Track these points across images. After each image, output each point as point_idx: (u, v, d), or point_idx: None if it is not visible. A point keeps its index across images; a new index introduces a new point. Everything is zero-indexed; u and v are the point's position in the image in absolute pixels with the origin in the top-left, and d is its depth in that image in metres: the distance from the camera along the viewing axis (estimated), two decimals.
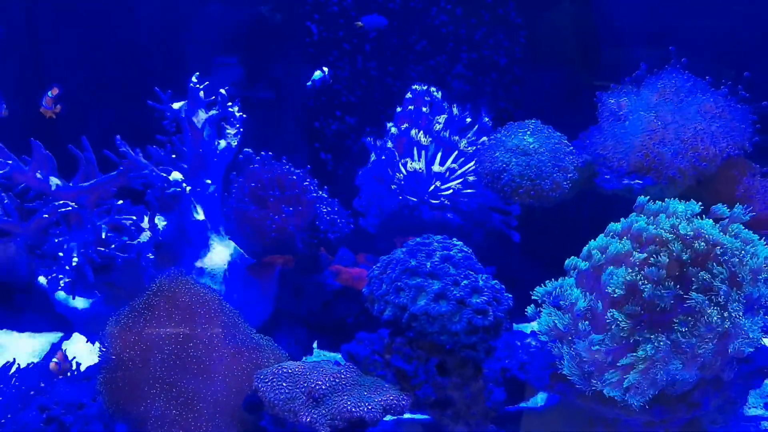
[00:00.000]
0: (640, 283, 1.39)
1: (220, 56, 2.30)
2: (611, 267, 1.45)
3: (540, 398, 2.00)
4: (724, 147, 1.70)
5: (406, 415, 1.88)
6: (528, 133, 1.87)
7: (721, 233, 1.42)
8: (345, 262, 2.13)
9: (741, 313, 1.38)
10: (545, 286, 1.61)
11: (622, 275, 1.41)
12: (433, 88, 2.09)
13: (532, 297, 1.59)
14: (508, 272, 2.01)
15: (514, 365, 1.80)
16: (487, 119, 2.10)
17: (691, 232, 1.38)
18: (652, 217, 1.47)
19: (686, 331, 1.35)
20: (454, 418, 1.78)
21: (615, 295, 1.41)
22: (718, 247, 1.37)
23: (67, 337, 2.48)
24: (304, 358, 2.06)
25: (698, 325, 1.34)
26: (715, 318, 1.33)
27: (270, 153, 1.92)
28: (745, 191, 1.72)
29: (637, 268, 1.41)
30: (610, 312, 1.42)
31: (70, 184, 1.79)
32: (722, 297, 1.34)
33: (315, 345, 2.13)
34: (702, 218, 1.47)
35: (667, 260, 1.37)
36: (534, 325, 1.81)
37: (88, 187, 1.74)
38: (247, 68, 2.32)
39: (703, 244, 1.37)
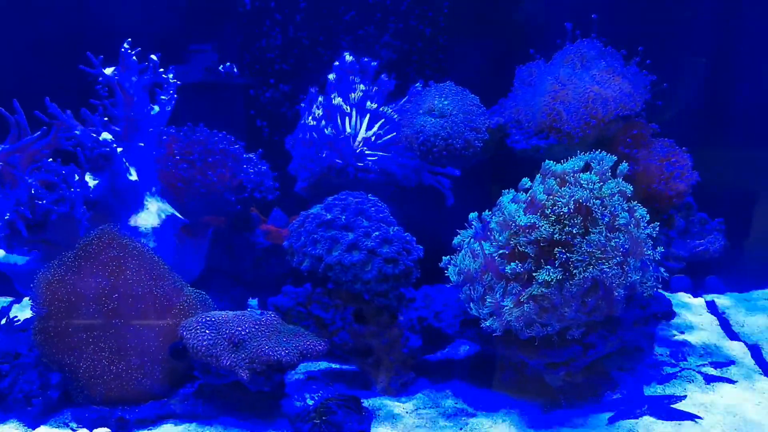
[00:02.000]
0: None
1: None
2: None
3: (462, 349, 2.12)
4: (613, 108, 1.82)
5: (335, 366, 2.00)
6: (443, 96, 1.98)
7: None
8: (278, 223, 2.23)
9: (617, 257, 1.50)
10: (459, 235, 1.74)
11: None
12: (365, 58, 2.17)
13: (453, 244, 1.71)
14: (432, 230, 2.13)
15: (430, 314, 1.91)
16: (419, 85, 2.18)
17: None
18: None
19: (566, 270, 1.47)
20: (374, 365, 1.90)
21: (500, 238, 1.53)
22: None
23: (17, 300, 2.55)
24: None
25: (576, 264, 1.47)
26: (587, 257, 1.45)
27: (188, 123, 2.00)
28: (638, 148, 1.85)
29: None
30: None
31: (1, 145, 1.86)
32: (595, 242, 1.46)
33: (253, 302, 2.23)
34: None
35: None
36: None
37: (18, 146, 1.81)
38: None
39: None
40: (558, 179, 1.53)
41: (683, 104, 2.42)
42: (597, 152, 1.56)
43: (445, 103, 1.95)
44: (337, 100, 2.13)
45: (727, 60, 2.41)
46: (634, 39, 2.11)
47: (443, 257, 1.70)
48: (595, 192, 1.46)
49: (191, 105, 2.21)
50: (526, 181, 1.64)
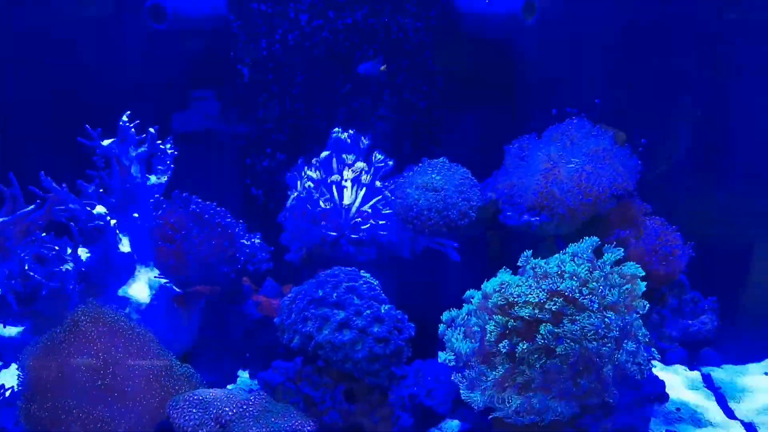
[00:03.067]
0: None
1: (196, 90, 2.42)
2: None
3: (454, 424, 2.08)
4: (607, 187, 1.84)
5: None
6: (435, 171, 2.00)
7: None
8: (270, 292, 2.22)
9: (608, 342, 1.50)
10: (451, 311, 1.73)
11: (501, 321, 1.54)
12: (349, 132, 2.21)
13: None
14: (425, 300, 2.13)
15: (421, 392, 1.89)
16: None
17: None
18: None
19: (556, 360, 1.46)
20: None
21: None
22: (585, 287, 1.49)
23: (6, 365, 2.52)
24: (227, 386, 2.14)
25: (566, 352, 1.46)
26: (575, 346, 1.45)
27: (186, 193, 2.02)
28: (630, 229, 1.86)
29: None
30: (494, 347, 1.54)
31: None
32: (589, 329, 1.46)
33: (244, 374, 2.21)
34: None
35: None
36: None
37: (12, 219, 1.82)
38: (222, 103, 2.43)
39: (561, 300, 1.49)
40: (542, 275, 1.53)
41: (673, 161, 2.46)
42: (588, 239, 1.57)
43: (438, 178, 1.97)
44: (332, 177, 2.15)
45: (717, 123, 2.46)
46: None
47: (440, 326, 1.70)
48: (579, 283, 1.47)
49: (189, 157, 2.24)
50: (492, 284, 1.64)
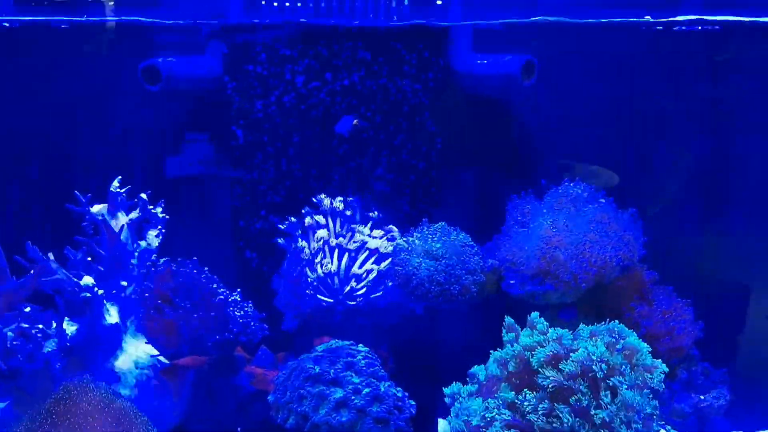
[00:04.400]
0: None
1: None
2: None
3: None
4: (612, 256, 1.79)
5: None
6: (435, 237, 1.95)
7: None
8: (264, 362, 2.13)
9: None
10: (453, 386, 1.66)
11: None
12: (345, 199, 2.17)
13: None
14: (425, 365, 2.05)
15: None
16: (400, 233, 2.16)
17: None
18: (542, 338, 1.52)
19: None
20: None
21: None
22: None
23: None
24: None
25: None
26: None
27: (179, 259, 1.96)
28: (640, 302, 1.81)
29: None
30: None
31: None
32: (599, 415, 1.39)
33: None
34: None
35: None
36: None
37: None
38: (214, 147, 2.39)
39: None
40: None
41: (670, 198, 2.43)
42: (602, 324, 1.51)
43: (438, 246, 1.92)
44: (327, 237, 2.10)
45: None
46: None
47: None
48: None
49: (181, 216, 2.18)
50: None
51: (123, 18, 2.23)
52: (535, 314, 1.58)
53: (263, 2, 2.19)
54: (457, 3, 2.26)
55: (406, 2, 2.21)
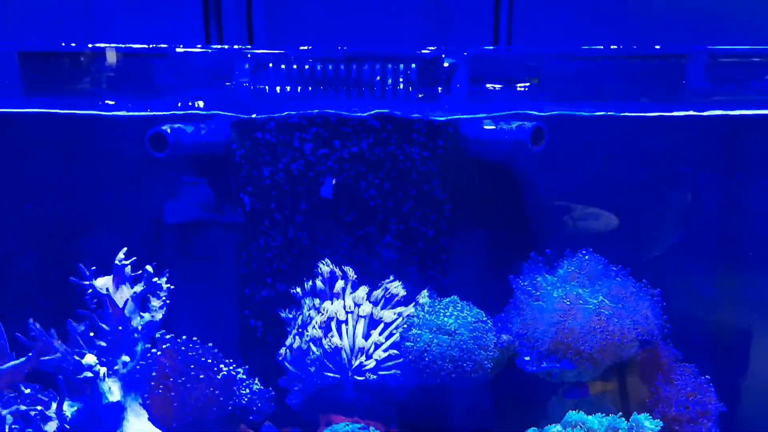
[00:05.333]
0: None
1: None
2: None
3: None
4: (631, 329, 1.75)
5: None
6: (448, 312, 1.91)
7: None
8: None
9: None
10: None
11: None
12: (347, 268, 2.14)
13: None
14: None
15: None
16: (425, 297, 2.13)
17: None
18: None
19: None
20: None
21: None
22: None
23: None
24: None
25: None
26: None
27: (183, 337, 1.91)
28: (662, 383, 1.76)
29: None
30: None
31: None
32: None
33: None
34: None
35: None
36: None
37: None
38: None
39: None
40: None
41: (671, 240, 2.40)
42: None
43: (450, 321, 1.88)
44: (334, 309, 2.05)
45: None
46: None
47: None
48: None
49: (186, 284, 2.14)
50: None
51: (130, 113, 2.23)
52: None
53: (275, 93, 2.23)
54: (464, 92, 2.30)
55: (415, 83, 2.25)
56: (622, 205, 2.43)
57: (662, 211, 2.42)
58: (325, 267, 2.13)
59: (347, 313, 2.06)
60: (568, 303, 1.78)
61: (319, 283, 2.12)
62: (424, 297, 2.10)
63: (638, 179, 2.38)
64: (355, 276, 2.15)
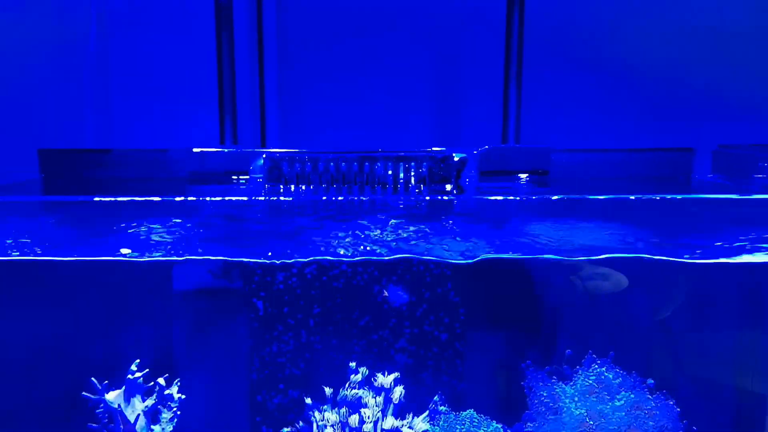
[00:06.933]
0: None
1: None
2: None
3: None
4: None
5: None
6: (464, 428, 1.87)
7: None
8: None
9: None
10: None
11: None
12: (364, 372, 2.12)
13: None
14: None
15: None
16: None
17: None
18: None
19: None
20: None
21: None
22: None
23: None
24: None
25: None
26: None
27: None
28: None
29: None
30: None
31: None
32: None
33: None
34: None
35: None
36: None
37: None
38: None
39: None
40: None
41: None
42: None
43: None
44: (349, 419, 2.01)
45: None
46: None
47: None
48: None
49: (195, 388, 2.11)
50: None
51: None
52: None
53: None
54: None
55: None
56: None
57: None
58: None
59: (363, 421, 2.02)
60: (592, 424, 1.74)
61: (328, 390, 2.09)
62: (439, 406, 2.06)
63: None
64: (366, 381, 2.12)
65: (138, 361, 1.98)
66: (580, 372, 1.98)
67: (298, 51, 3.30)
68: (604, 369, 1.93)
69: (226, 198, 2.30)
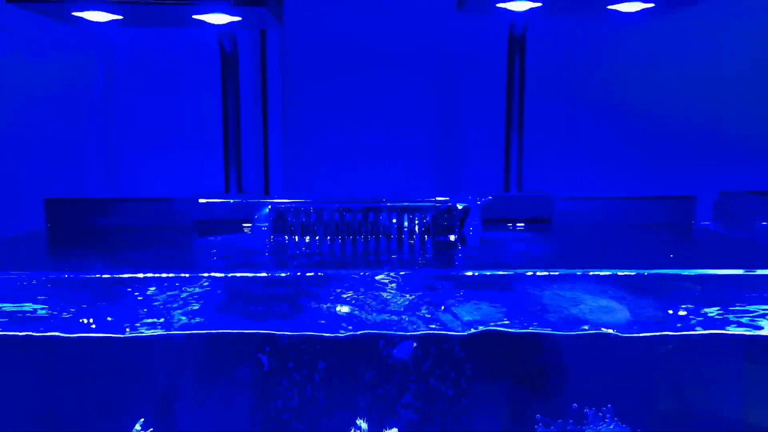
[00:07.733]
0: None
1: None
2: None
3: None
4: None
5: None
6: None
7: None
8: None
9: None
10: None
11: None
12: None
13: None
14: None
15: None
16: None
17: None
18: None
19: None
20: None
21: None
22: None
23: None
24: None
25: None
26: None
27: None
28: None
29: None
30: None
31: None
32: None
33: None
34: None
35: None
36: None
37: None
38: None
39: None
40: None
41: None
42: None
43: None
44: None
45: None
46: None
47: None
48: None
49: None
50: None
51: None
52: None
53: None
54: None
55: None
56: None
57: None
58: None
59: None
60: None
61: None
62: None
63: None
64: None
65: (143, 420, 1.97)
66: (590, 429, 1.96)
67: (301, 99, 3.34)
68: (612, 427, 1.92)
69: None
